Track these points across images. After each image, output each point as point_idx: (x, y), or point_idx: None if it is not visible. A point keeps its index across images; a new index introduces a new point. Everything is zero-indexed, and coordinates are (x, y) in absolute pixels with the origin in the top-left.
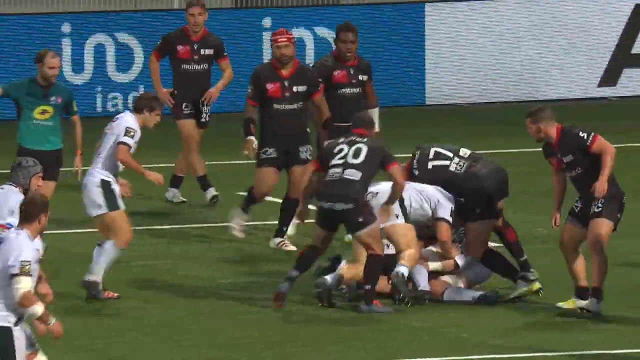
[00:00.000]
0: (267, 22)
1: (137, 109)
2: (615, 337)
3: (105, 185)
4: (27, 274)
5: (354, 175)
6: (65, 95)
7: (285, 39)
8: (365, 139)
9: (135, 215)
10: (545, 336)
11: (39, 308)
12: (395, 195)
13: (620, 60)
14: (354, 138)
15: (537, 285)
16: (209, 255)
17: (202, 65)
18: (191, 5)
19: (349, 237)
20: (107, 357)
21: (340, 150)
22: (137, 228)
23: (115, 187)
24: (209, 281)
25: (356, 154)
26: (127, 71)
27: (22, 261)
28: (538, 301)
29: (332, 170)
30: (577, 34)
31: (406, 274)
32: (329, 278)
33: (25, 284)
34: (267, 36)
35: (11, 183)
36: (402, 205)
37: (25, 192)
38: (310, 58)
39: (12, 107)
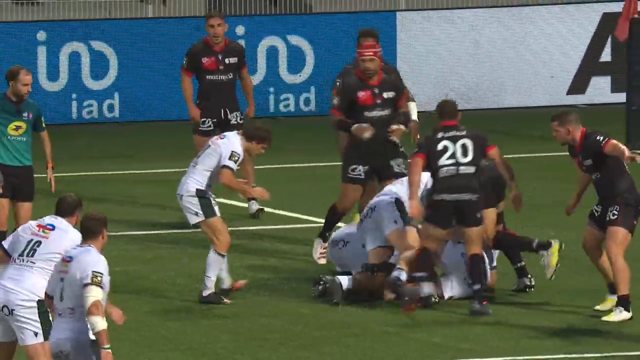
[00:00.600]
0: (240, 29)
1: (247, 136)
2: (588, 342)
3: (200, 193)
4: (98, 284)
5: (469, 169)
6: (35, 111)
7: (371, 53)
8: (465, 131)
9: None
10: (514, 341)
11: (101, 323)
12: (507, 170)
13: (589, 68)
14: (454, 133)
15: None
16: (184, 260)
17: (227, 75)
18: (210, 16)
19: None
20: None
21: (445, 149)
22: (110, 233)
23: (211, 196)
24: (185, 286)
25: (464, 152)
26: (102, 79)
27: (94, 271)
28: (512, 302)
29: (444, 169)
30: (547, 42)
31: (403, 278)
32: (344, 280)
33: (95, 293)
34: (240, 44)
35: None
36: (401, 210)
37: None
38: (283, 66)
39: None
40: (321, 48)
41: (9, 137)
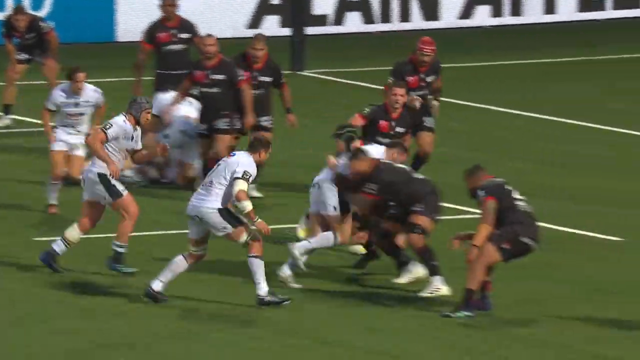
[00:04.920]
0: None
1: None
2: None
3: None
4: (247, 180)
5: None
6: None
7: (430, 51)
8: None
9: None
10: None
11: (248, 205)
12: None
13: (263, 9)
14: None
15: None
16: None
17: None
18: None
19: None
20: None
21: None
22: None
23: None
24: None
25: None
26: None
27: (245, 171)
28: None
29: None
30: None
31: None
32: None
33: (242, 186)
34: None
35: (125, 114)
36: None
37: (137, 122)
38: None
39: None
40: None
41: None
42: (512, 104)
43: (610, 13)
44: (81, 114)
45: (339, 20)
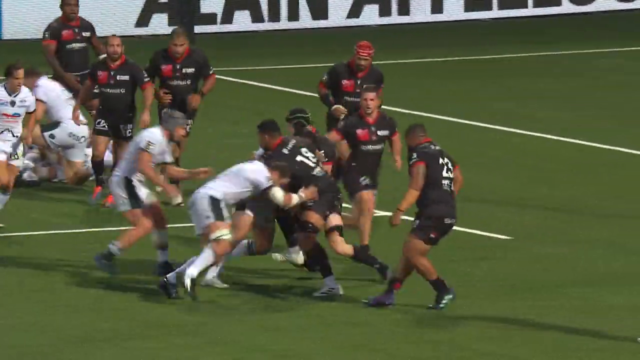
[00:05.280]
0: None
1: None
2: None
3: None
4: (273, 185)
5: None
6: None
7: (366, 54)
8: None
9: None
10: None
11: (296, 197)
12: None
13: (151, 7)
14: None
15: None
16: None
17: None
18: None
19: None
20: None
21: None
22: None
23: None
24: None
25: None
26: None
27: (267, 176)
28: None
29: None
30: None
31: None
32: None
33: (279, 193)
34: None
35: (161, 127)
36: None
37: (171, 137)
38: None
39: None
40: None
41: None
42: (399, 103)
43: (496, 13)
44: (17, 115)
45: (227, 19)
